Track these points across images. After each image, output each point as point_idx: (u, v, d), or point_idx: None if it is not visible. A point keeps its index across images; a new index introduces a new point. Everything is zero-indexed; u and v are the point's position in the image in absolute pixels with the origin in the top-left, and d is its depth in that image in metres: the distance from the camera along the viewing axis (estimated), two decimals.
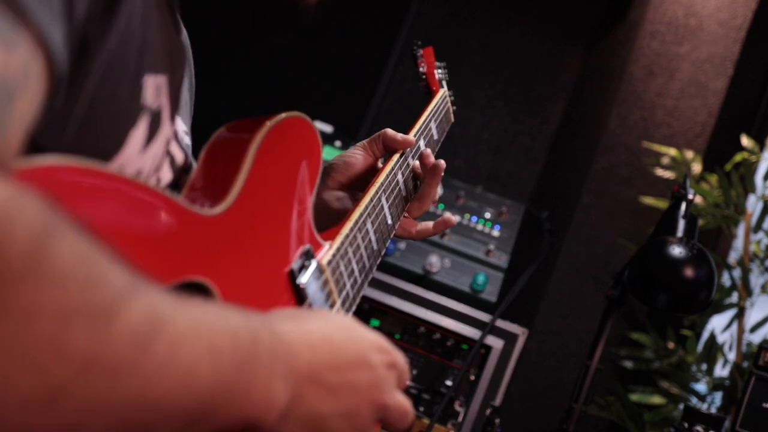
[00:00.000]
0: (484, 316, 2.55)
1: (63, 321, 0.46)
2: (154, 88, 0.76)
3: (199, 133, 1.05)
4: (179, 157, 0.88)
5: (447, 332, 2.56)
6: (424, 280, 2.68)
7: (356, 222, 1.07)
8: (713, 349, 2.79)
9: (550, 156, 3.64)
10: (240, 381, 0.58)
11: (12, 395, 0.44)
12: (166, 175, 0.85)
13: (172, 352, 0.52)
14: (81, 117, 0.65)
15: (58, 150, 0.64)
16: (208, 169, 0.84)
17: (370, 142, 1.31)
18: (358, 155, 1.30)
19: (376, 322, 2.58)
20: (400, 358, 0.79)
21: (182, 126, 0.93)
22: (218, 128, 0.89)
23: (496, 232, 2.79)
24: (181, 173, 0.89)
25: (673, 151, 2.91)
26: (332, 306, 0.97)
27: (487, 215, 2.80)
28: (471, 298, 2.66)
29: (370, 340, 0.76)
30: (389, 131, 1.30)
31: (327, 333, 0.71)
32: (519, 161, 3.65)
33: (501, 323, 2.55)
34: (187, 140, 0.95)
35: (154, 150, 0.79)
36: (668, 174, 2.94)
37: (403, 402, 0.78)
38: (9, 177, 0.46)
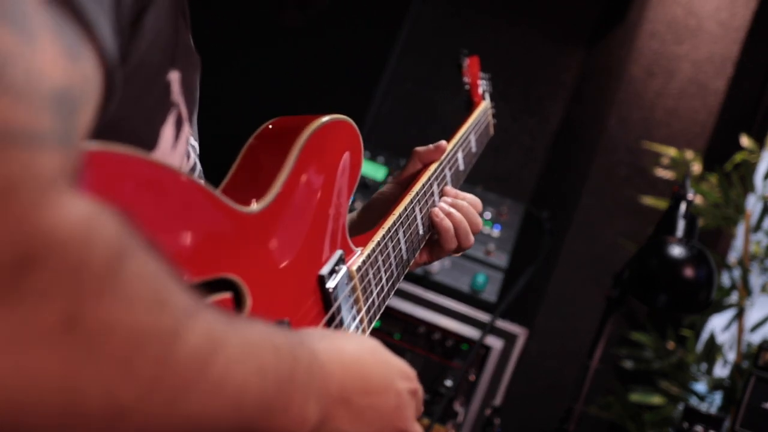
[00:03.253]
0: (484, 316, 2.55)
1: (133, 341, 0.46)
2: (177, 84, 0.77)
3: (198, 131, 1.04)
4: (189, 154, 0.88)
5: (447, 332, 2.56)
6: (424, 280, 2.68)
7: (389, 230, 1.06)
8: (713, 349, 2.79)
9: (550, 156, 3.64)
10: (280, 399, 0.59)
11: (79, 411, 0.44)
12: None
13: (227, 371, 0.53)
14: (114, 115, 0.65)
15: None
16: (250, 165, 0.84)
17: (405, 168, 1.25)
18: (394, 191, 1.24)
19: (376, 323, 2.58)
20: (420, 387, 0.82)
21: (192, 125, 0.93)
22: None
23: (496, 232, 2.79)
24: (189, 172, 0.90)
25: (673, 151, 2.91)
26: (358, 312, 0.97)
27: (487, 215, 2.80)
28: (471, 298, 2.66)
29: (397, 366, 0.78)
30: (418, 148, 1.25)
31: (359, 355, 0.72)
32: (519, 161, 3.66)
33: (501, 323, 2.55)
34: (192, 140, 0.96)
35: (181, 147, 0.80)
36: (668, 174, 2.94)
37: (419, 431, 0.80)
38: (82, 191, 0.46)
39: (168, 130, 0.75)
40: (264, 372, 0.57)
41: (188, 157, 0.88)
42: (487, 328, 2.46)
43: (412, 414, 0.79)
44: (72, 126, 0.47)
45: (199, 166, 0.95)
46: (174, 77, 0.76)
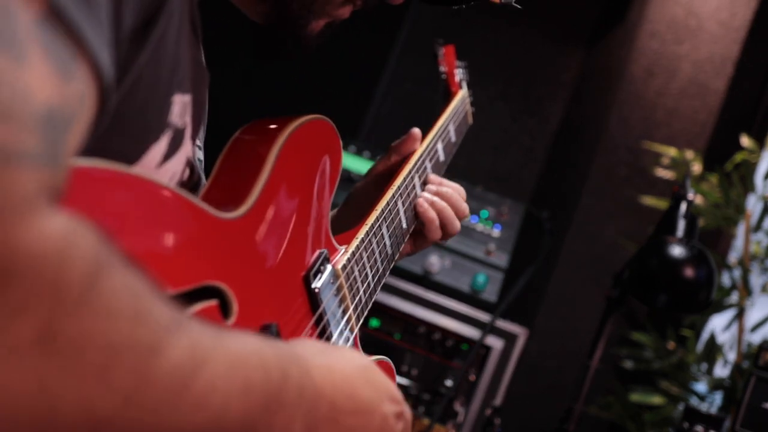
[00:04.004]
0: (484, 316, 2.55)
1: (111, 354, 0.46)
2: (180, 106, 0.77)
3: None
4: (188, 172, 0.88)
5: (447, 332, 2.56)
6: (424, 280, 2.68)
7: (372, 226, 1.06)
8: (713, 349, 2.79)
9: (550, 156, 3.65)
10: (264, 417, 0.59)
11: (55, 423, 0.45)
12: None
13: (209, 389, 0.53)
14: (103, 128, 0.65)
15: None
16: (229, 170, 0.83)
17: (382, 162, 1.26)
18: (370, 185, 1.25)
19: (376, 322, 2.58)
20: (408, 410, 0.81)
21: (197, 141, 0.94)
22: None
23: (496, 232, 2.79)
24: (190, 188, 0.90)
25: (673, 151, 2.91)
26: (345, 311, 0.96)
27: (487, 215, 2.80)
28: (471, 298, 2.66)
29: (385, 389, 0.77)
30: (394, 143, 1.26)
31: (349, 374, 0.72)
32: (519, 161, 3.66)
33: (501, 323, 2.55)
34: (199, 154, 0.96)
35: (173, 166, 0.79)
36: (668, 174, 2.94)
37: None
38: (63, 207, 0.47)
39: (158, 148, 0.75)
40: (249, 389, 0.56)
41: (191, 171, 0.88)
42: (487, 328, 2.47)
43: None
44: (61, 144, 0.47)
45: (203, 180, 0.95)
46: (178, 100, 0.76)
